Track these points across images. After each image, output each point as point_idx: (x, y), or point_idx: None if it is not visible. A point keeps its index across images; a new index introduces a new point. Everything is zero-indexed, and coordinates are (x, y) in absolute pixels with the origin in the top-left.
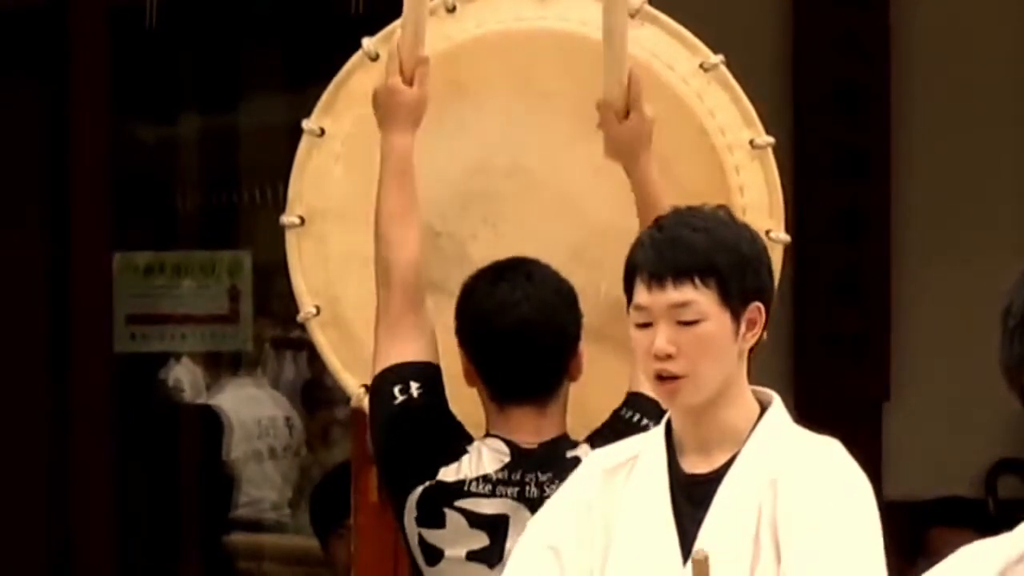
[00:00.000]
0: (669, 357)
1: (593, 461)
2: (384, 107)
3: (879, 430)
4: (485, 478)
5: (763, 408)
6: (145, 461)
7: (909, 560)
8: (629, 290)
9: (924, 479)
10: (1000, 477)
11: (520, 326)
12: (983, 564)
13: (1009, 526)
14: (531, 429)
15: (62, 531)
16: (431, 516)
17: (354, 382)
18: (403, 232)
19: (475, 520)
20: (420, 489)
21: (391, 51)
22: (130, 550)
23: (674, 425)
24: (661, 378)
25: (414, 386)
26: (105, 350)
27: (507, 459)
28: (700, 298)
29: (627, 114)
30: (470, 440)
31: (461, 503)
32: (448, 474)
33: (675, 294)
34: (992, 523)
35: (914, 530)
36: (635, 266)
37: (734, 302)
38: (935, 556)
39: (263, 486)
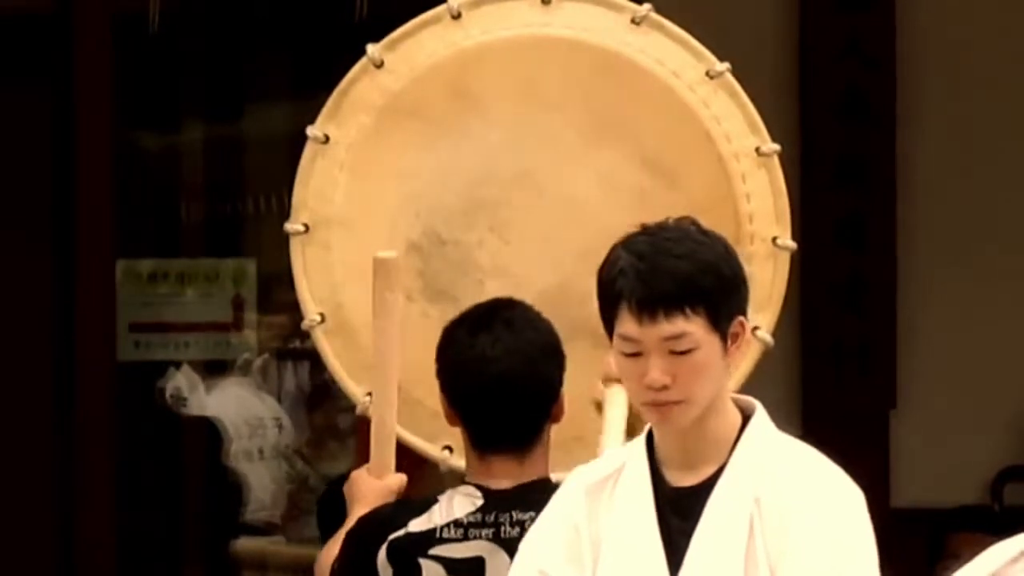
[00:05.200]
0: (664, 388)
1: (576, 478)
2: (351, 494)
3: (885, 439)
4: (456, 523)
5: (745, 416)
6: (149, 469)
7: (921, 568)
8: (610, 316)
9: (931, 487)
10: (1007, 484)
11: (501, 381)
12: (989, 562)
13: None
14: (510, 474)
15: (67, 539)
16: (407, 570)
17: (359, 389)
18: None
19: (451, 566)
20: (384, 545)
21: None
22: (134, 558)
23: (657, 438)
24: (655, 404)
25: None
26: (109, 358)
27: (480, 502)
28: (692, 327)
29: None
30: (435, 499)
31: (435, 551)
32: (418, 524)
33: (667, 327)
34: (1003, 531)
35: (922, 538)
36: (618, 295)
37: (722, 324)
38: (953, 561)
39: (252, 487)
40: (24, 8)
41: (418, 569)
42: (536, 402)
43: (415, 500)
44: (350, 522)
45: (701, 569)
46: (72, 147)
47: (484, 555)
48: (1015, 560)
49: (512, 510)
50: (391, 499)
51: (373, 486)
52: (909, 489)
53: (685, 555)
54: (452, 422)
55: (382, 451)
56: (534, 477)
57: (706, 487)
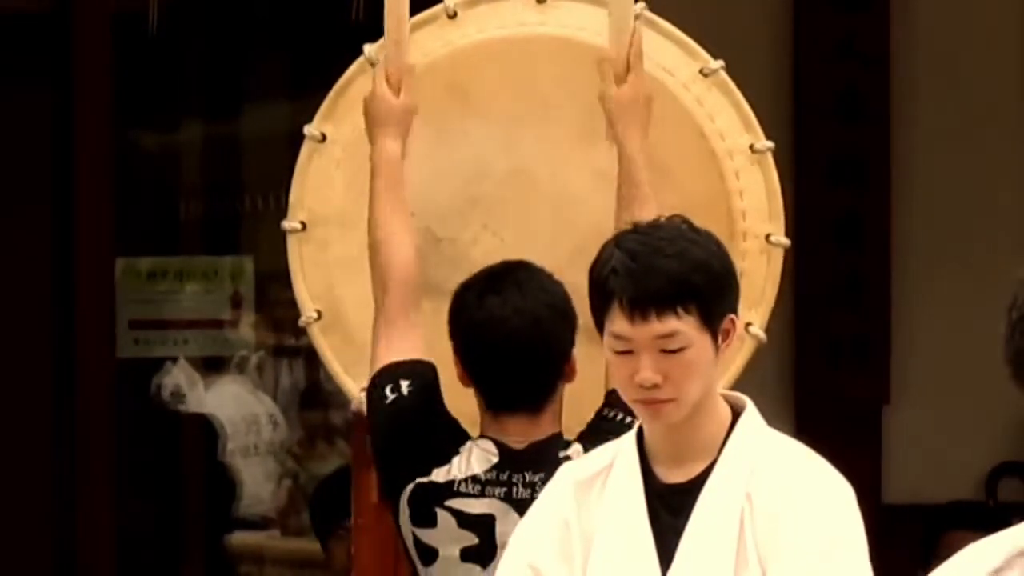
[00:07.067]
0: (655, 386)
1: (565, 474)
2: (373, 115)
3: (879, 433)
4: (474, 478)
5: (735, 413)
6: (148, 465)
7: (916, 563)
8: (601, 314)
9: (924, 482)
10: (1001, 480)
11: (510, 341)
12: (985, 557)
13: None
14: (524, 432)
15: (66, 535)
16: (423, 515)
17: (355, 386)
18: (396, 238)
19: (464, 520)
20: (411, 486)
21: (378, 60)
22: (134, 553)
23: (647, 434)
24: (645, 402)
25: (404, 384)
26: (108, 355)
27: (495, 459)
28: (684, 326)
29: (626, 75)
30: (464, 439)
31: (451, 503)
32: (440, 474)
33: (659, 326)
34: (998, 527)
35: (916, 534)
36: (610, 294)
37: (714, 323)
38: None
39: (248, 483)
40: (24, 8)
41: (433, 517)
42: (547, 361)
43: (436, 441)
44: (379, 146)
45: (692, 565)
46: (71, 147)
47: (495, 513)
48: (1021, 554)
49: (524, 471)
50: (411, 117)
51: (397, 104)
52: (903, 485)
53: (676, 551)
54: (466, 383)
55: (399, 30)
56: (548, 434)
57: (697, 483)
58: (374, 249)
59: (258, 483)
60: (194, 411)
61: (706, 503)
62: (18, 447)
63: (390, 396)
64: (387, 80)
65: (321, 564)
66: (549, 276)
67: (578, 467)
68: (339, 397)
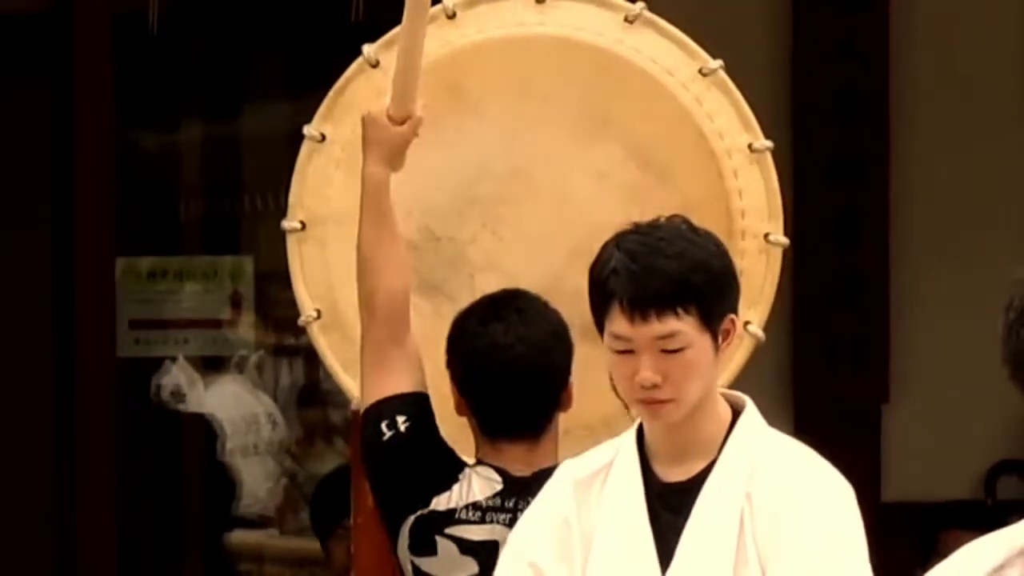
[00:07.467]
0: (655, 386)
1: (565, 473)
2: (367, 135)
3: (878, 432)
4: (475, 505)
5: (735, 412)
6: (148, 464)
7: (915, 562)
8: (602, 314)
9: (923, 481)
10: (999, 478)
11: (512, 369)
12: (984, 556)
13: None
14: (522, 460)
15: (66, 535)
16: (423, 544)
17: (354, 384)
18: (383, 261)
19: (465, 547)
20: (412, 518)
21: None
22: (134, 553)
23: (647, 433)
24: (645, 401)
25: (400, 420)
26: (108, 355)
27: (499, 487)
28: (683, 327)
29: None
30: (461, 467)
31: (452, 530)
32: (440, 502)
33: (659, 326)
34: (997, 526)
35: (915, 531)
36: (610, 294)
37: (714, 323)
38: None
39: (248, 482)
40: (24, 8)
41: (434, 546)
42: (547, 389)
43: (435, 472)
44: (366, 168)
45: (691, 564)
46: (72, 146)
47: (498, 539)
48: (1020, 553)
49: (529, 497)
50: (406, 146)
51: (391, 132)
52: (902, 484)
53: (676, 550)
54: (461, 411)
55: (405, 83)
56: (546, 464)
57: (697, 482)
58: (360, 265)
59: (257, 482)
60: (194, 411)
61: (706, 502)
62: (18, 447)
63: (387, 433)
64: (390, 117)
65: (320, 563)
66: (546, 304)
67: (578, 466)
68: (338, 396)
